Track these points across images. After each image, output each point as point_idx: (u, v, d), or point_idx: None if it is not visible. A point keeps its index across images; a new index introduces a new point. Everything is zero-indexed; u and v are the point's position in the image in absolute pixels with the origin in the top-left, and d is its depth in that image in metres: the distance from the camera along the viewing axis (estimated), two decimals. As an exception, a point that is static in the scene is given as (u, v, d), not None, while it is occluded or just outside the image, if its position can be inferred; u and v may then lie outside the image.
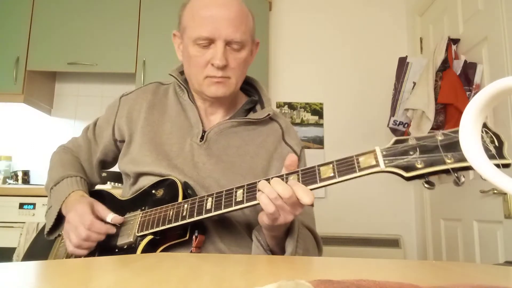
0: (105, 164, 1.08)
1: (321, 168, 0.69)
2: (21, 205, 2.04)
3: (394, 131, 2.36)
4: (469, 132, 0.31)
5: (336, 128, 2.64)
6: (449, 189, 2.12)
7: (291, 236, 0.79)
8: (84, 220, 0.82)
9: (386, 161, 0.64)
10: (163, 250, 0.80)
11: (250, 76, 1.04)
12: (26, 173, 2.50)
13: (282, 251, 0.80)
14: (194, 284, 0.39)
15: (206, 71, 0.89)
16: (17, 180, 2.46)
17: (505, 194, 1.63)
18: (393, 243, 2.45)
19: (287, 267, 0.55)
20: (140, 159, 0.92)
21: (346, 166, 0.67)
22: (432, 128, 1.93)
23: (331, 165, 0.69)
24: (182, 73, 1.01)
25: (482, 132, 0.56)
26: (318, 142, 2.63)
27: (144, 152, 0.92)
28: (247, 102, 1.01)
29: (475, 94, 1.64)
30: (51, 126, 2.69)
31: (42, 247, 1.00)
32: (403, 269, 0.55)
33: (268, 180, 0.71)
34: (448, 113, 1.93)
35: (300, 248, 0.79)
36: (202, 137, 0.92)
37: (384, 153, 0.65)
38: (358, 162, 0.66)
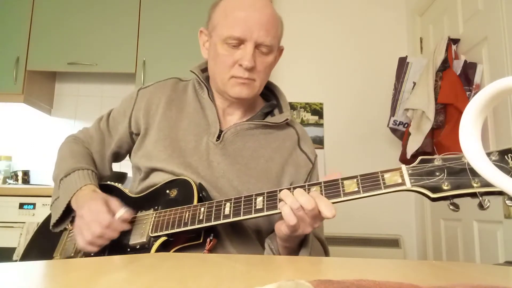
0: (118, 156, 1.07)
1: (345, 182, 0.69)
2: (21, 205, 2.04)
3: (394, 131, 2.36)
4: (469, 132, 0.31)
5: (336, 128, 2.64)
6: (449, 189, 2.11)
7: (305, 248, 0.79)
8: (100, 219, 0.81)
9: (412, 180, 0.64)
10: (175, 252, 0.80)
11: (271, 81, 1.04)
12: (26, 173, 2.50)
13: None
14: (194, 284, 0.39)
15: (232, 71, 0.89)
16: (17, 180, 2.46)
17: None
18: (393, 243, 2.45)
19: (287, 267, 0.55)
20: (154, 154, 0.92)
21: (371, 181, 0.67)
22: (432, 128, 1.93)
23: (355, 180, 0.69)
24: (202, 70, 1.01)
25: (509, 158, 0.56)
26: (318, 142, 2.63)
27: (159, 147, 0.92)
28: (266, 106, 1.01)
29: (475, 94, 1.64)
30: (51, 126, 2.69)
31: (45, 241, 0.98)
32: (403, 269, 0.55)
33: (289, 189, 0.71)
34: (448, 113, 1.93)
35: None
36: (218, 137, 0.92)
37: (410, 171, 0.65)
38: (383, 179, 0.67)
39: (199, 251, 0.80)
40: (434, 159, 0.64)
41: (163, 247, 0.80)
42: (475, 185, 0.60)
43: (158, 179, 0.90)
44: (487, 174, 0.30)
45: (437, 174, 0.63)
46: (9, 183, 2.44)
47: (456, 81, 1.89)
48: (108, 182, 1.04)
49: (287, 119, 0.97)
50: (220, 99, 0.97)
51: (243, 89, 0.90)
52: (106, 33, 2.44)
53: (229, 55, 0.88)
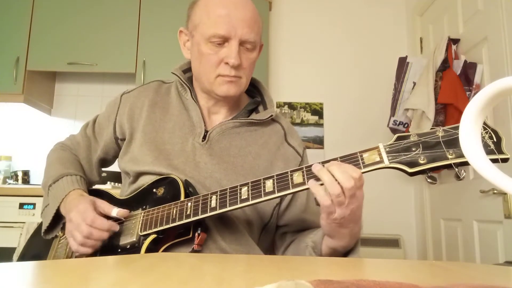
0: (105, 162, 1.07)
1: (326, 165, 0.70)
2: (21, 205, 2.04)
3: (394, 131, 2.36)
4: (469, 133, 0.31)
5: (336, 128, 2.64)
6: (449, 189, 2.12)
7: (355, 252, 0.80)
8: (85, 217, 0.81)
9: (390, 157, 0.66)
10: (165, 249, 0.80)
11: (254, 77, 1.04)
12: (26, 173, 2.50)
13: None
14: (194, 284, 0.39)
15: (218, 69, 0.88)
16: (17, 180, 2.46)
17: (505, 194, 1.63)
18: (393, 243, 2.45)
19: (287, 267, 0.55)
20: (140, 158, 0.92)
21: (351, 162, 0.69)
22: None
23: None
24: (184, 71, 1.00)
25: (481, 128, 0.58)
26: (318, 142, 2.63)
27: (145, 151, 0.91)
28: (250, 103, 1.01)
29: (475, 94, 1.64)
30: (51, 126, 2.69)
31: (37, 248, 0.99)
32: (403, 269, 0.55)
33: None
34: (448, 113, 1.93)
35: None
36: (204, 137, 0.92)
37: (387, 149, 0.67)
38: (362, 159, 0.68)
39: (189, 246, 0.80)
40: (410, 135, 0.67)
41: (154, 245, 0.80)
42: (450, 156, 0.62)
43: (147, 181, 0.90)
44: (490, 175, 0.30)
45: (413, 149, 0.65)
46: (9, 183, 2.44)
47: (456, 81, 1.89)
48: (97, 187, 1.05)
49: (271, 115, 0.97)
50: (204, 98, 0.96)
51: (231, 87, 0.89)
52: (106, 33, 2.44)
53: (214, 53, 0.87)
